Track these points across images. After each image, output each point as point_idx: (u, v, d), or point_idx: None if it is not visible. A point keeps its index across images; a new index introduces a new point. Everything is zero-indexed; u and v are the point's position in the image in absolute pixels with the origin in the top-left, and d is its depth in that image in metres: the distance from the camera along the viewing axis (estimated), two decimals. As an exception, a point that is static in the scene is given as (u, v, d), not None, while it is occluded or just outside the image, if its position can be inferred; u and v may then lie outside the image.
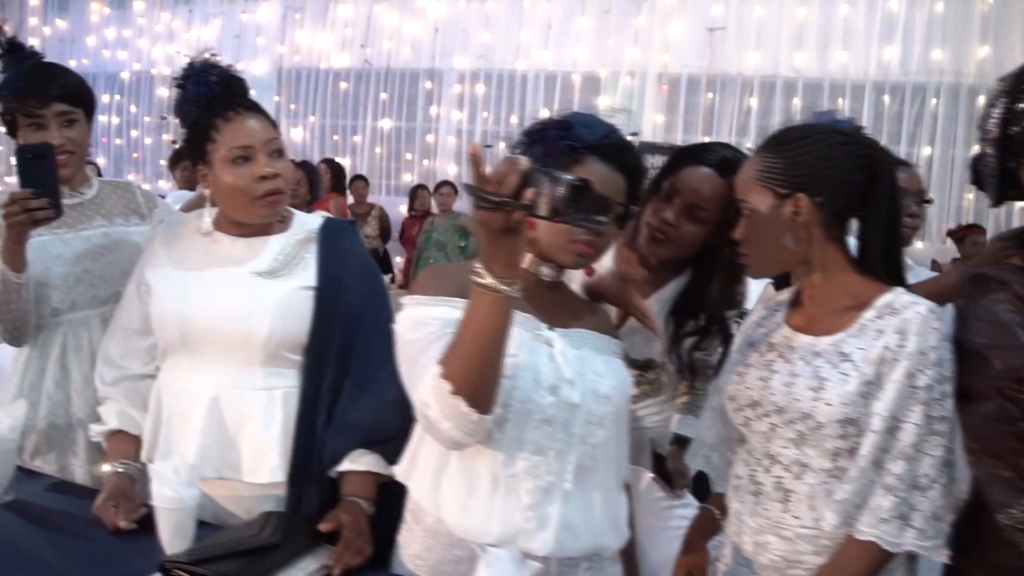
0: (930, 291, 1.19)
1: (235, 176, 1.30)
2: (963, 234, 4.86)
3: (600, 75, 5.70)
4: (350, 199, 5.66)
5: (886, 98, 5.24)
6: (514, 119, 5.92)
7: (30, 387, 1.51)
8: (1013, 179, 1.12)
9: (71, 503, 1.32)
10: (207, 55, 1.37)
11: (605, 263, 1.34)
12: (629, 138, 1.20)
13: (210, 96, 1.33)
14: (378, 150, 6.30)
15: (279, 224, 1.40)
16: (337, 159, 5.79)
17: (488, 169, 0.90)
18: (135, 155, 7.10)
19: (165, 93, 6.83)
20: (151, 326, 1.37)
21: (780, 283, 1.40)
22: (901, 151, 4.96)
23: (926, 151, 5.24)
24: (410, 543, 1.15)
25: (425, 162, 6.22)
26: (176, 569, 1.04)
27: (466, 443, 1.02)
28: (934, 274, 2.10)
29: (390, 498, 1.30)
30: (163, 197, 2.09)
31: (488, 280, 0.94)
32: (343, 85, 6.30)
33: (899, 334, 1.08)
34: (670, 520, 1.57)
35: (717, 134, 5.41)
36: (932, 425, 1.07)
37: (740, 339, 1.30)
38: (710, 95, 5.52)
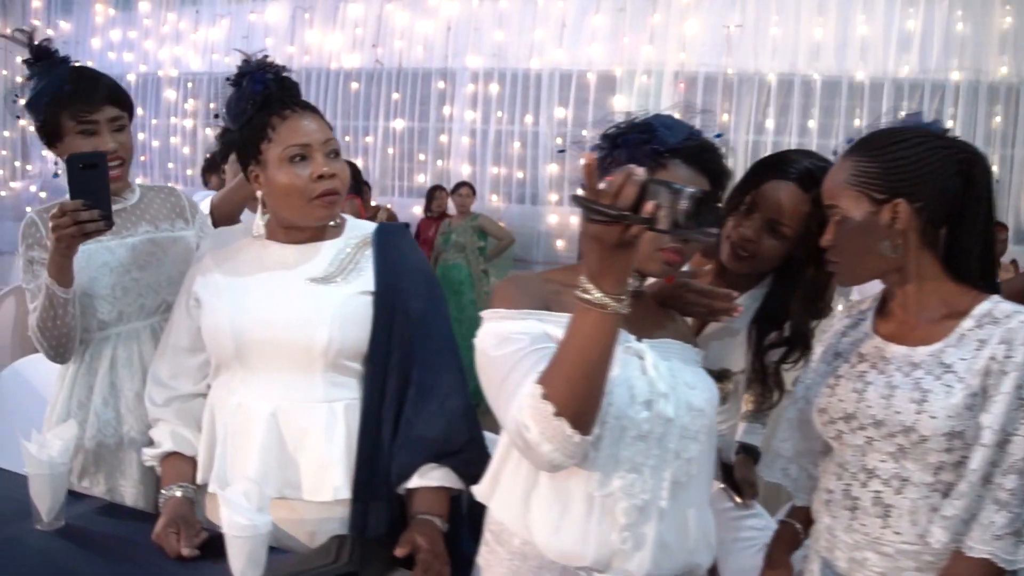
0: (1009, 293, 1.15)
1: (291, 176, 1.24)
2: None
3: (616, 74, 5.63)
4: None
5: (905, 93, 5.18)
6: (528, 119, 5.85)
7: (78, 405, 1.45)
8: None
9: (125, 527, 1.26)
10: (262, 54, 1.31)
11: None
12: (714, 140, 1.15)
13: (267, 94, 1.27)
14: (391, 151, 6.22)
15: (332, 229, 1.34)
16: (349, 160, 5.72)
17: (601, 181, 0.85)
18: (143, 158, 7.01)
19: (172, 95, 6.77)
20: (201, 343, 1.31)
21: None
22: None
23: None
24: (493, 565, 1.10)
25: (439, 163, 6.14)
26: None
27: (565, 465, 0.97)
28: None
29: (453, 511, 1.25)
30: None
31: (595, 295, 0.89)
32: (354, 86, 6.22)
33: (1005, 344, 1.05)
34: (740, 531, 1.53)
35: (735, 133, 5.34)
36: (1044, 437, 1.02)
37: (823, 349, 1.26)
38: (727, 95, 5.46)
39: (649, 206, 0.83)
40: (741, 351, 1.44)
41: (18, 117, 1.47)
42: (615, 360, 1.01)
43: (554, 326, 1.03)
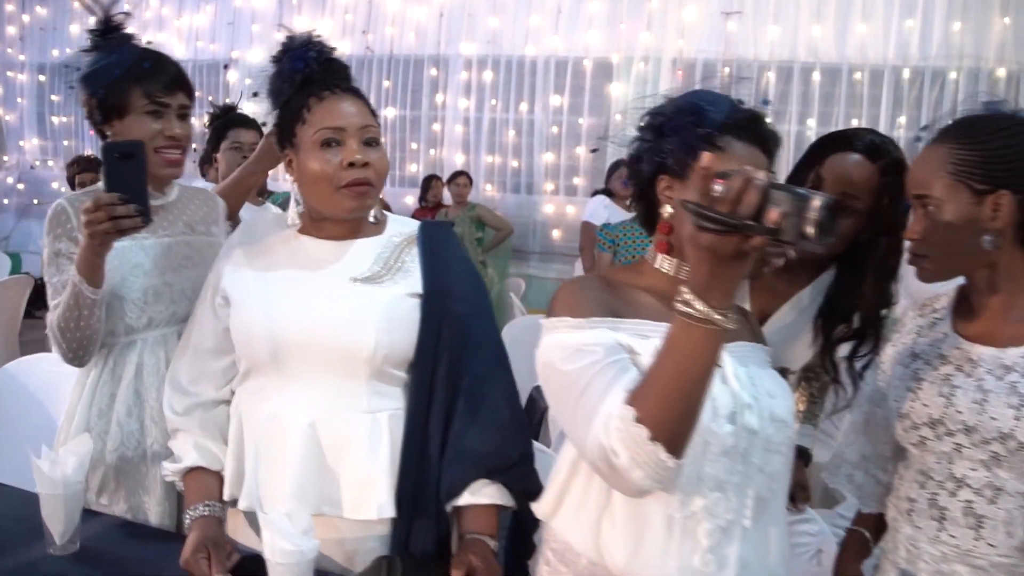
0: None
1: (321, 161, 1.14)
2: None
3: (613, 60, 5.53)
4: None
5: (905, 82, 5.13)
6: (523, 106, 5.74)
7: (98, 414, 1.33)
8: None
9: (148, 549, 1.16)
10: (312, 33, 1.20)
11: None
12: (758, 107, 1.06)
13: (306, 73, 1.17)
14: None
15: (373, 227, 1.24)
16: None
17: (718, 187, 0.76)
18: (125, 148, 6.82)
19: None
20: (227, 344, 1.21)
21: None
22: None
23: (946, 136, 5.14)
24: (556, 585, 1.01)
25: (432, 152, 6.01)
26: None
27: (653, 491, 0.89)
28: None
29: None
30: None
31: (701, 309, 0.80)
32: (344, 73, 6.08)
33: None
34: (794, 536, 1.47)
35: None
36: None
37: (898, 350, 1.18)
38: (726, 80, 5.38)
39: (775, 215, 0.74)
40: (802, 348, 1.37)
41: (71, 87, 1.36)
42: None
43: (627, 335, 0.95)
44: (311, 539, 0.97)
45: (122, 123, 1.33)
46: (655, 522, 0.95)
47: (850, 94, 5.18)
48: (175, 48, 6.35)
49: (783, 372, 1.36)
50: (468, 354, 1.18)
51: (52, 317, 1.27)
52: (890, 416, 1.15)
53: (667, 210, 1.01)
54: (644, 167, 1.03)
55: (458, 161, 5.78)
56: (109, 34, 1.33)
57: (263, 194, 2.60)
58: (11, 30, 7.09)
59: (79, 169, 3.54)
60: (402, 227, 1.27)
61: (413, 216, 5.53)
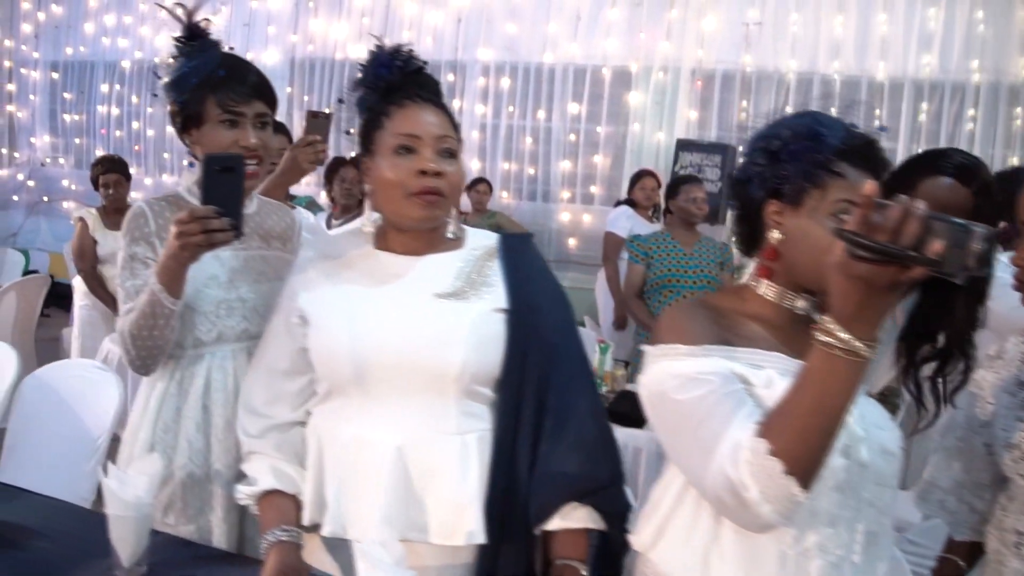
0: None
1: (394, 168, 1.11)
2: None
3: (631, 69, 5.51)
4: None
5: (924, 97, 5.12)
6: (541, 114, 5.71)
7: (163, 429, 1.28)
8: None
9: (218, 572, 1.11)
10: (403, 45, 1.17)
11: None
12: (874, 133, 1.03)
13: (390, 80, 1.14)
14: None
15: (452, 241, 1.20)
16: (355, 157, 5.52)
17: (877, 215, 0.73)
18: (136, 148, 6.76)
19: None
20: (302, 365, 1.16)
21: None
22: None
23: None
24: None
25: (448, 158, 5.97)
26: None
27: (778, 526, 0.85)
28: None
29: None
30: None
31: (845, 339, 0.77)
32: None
33: None
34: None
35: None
36: None
37: (1002, 378, 1.14)
38: (745, 92, 5.36)
39: (938, 246, 0.72)
40: (882, 371, 1.33)
41: (155, 95, 1.32)
42: None
43: (741, 364, 0.92)
44: (406, 570, 0.93)
45: (199, 132, 1.30)
46: (768, 558, 0.92)
47: (870, 105, 5.16)
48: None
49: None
50: (556, 372, 1.14)
51: (123, 323, 1.23)
52: (994, 444, 1.11)
53: (775, 235, 0.98)
54: (754, 191, 1.00)
55: (474, 167, 5.74)
56: (192, 40, 1.30)
57: (289, 199, 2.57)
58: (26, 28, 7.04)
59: (103, 170, 3.49)
60: (481, 240, 1.23)
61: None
